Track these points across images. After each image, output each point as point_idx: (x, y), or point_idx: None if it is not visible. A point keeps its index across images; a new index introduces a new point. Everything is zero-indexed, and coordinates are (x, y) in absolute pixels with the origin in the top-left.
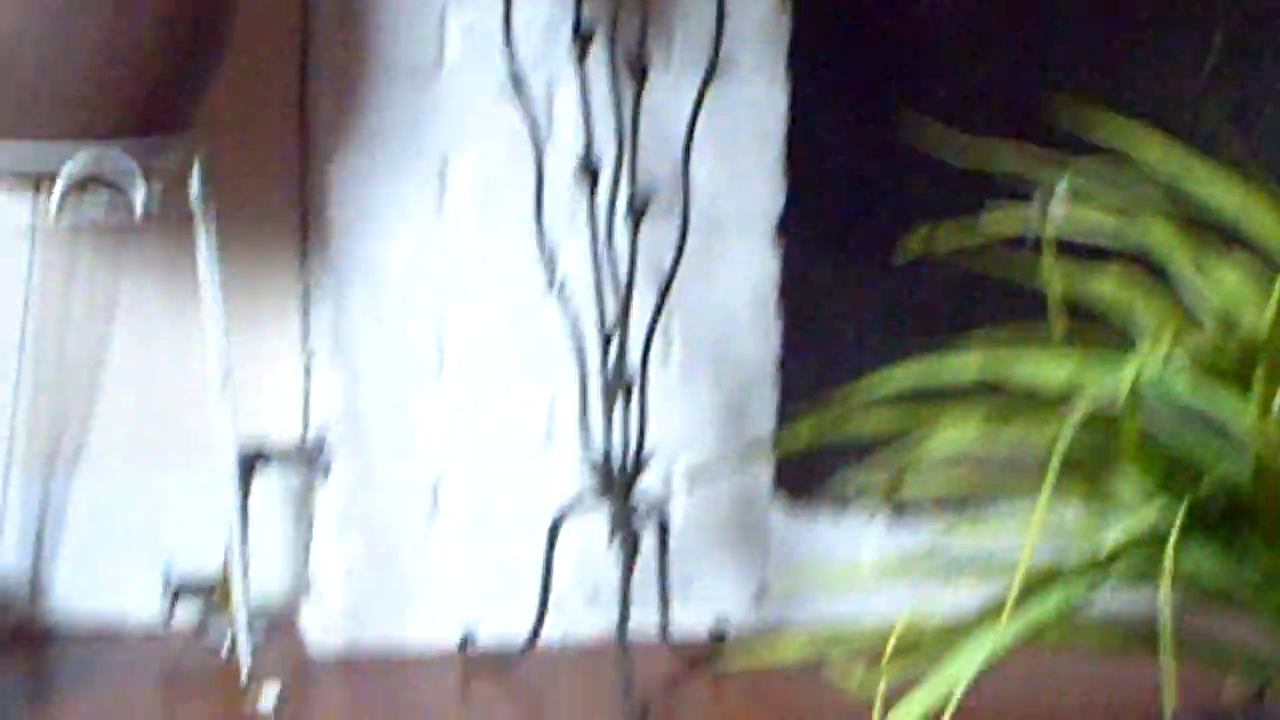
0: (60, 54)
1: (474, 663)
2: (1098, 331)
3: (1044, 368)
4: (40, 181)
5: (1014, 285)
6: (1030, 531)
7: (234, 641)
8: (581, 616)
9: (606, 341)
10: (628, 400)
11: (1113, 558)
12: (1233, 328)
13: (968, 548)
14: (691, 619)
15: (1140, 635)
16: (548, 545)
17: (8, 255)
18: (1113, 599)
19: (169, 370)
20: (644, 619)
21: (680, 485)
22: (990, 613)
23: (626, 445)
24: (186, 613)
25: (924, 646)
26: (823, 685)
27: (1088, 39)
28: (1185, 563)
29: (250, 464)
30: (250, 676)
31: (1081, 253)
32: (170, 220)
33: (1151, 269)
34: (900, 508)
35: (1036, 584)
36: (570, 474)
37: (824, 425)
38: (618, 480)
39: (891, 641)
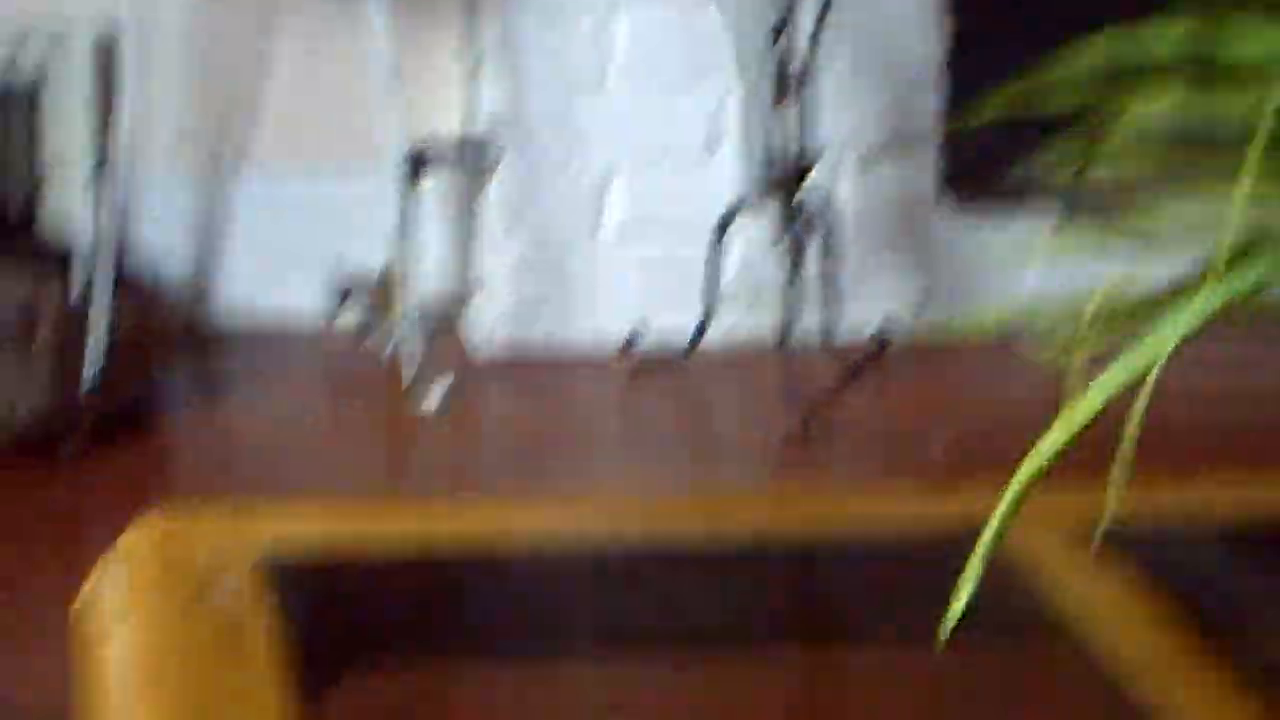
0: None
1: (637, 364)
2: None
3: (1249, 39)
4: None
5: None
6: (1237, 199)
7: (398, 342)
8: (745, 319)
9: (773, 41)
10: (794, 101)
11: None
12: None
13: (1155, 228)
14: (856, 323)
15: None
16: (713, 248)
17: None
18: None
19: (333, 72)
20: (808, 322)
21: (846, 186)
22: (1188, 285)
23: (792, 146)
24: (351, 314)
25: (1118, 321)
26: (988, 384)
27: None
28: None
29: (416, 165)
30: (414, 377)
31: None
32: None
33: None
34: (1075, 206)
35: (1236, 257)
36: (735, 176)
37: (1006, 102)
38: (783, 182)
39: (1091, 308)
